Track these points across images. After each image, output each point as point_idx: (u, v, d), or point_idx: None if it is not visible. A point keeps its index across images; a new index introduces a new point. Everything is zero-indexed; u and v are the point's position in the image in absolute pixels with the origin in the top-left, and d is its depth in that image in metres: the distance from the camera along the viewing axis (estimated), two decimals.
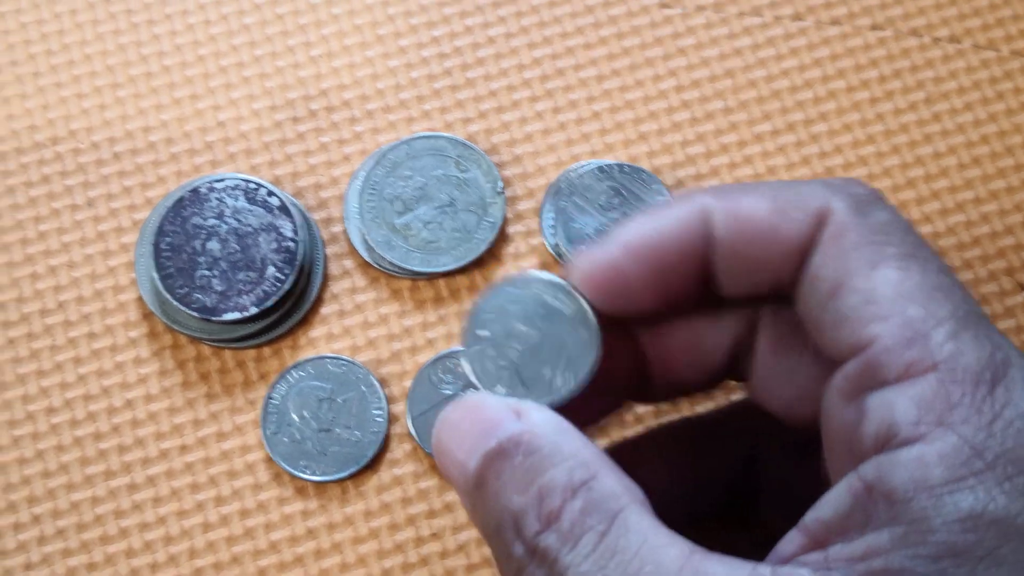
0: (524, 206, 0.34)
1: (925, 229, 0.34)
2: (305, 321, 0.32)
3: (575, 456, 0.20)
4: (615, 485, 0.20)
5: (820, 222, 0.22)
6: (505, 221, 0.33)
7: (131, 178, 0.33)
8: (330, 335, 0.32)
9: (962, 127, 0.35)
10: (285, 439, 0.31)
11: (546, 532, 0.20)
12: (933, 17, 0.35)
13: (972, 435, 0.19)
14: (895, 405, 0.20)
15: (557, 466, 0.20)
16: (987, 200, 0.34)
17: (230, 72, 0.34)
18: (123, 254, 0.33)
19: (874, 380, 0.20)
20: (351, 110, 0.34)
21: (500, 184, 0.33)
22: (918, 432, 0.19)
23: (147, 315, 0.32)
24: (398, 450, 0.32)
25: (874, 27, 0.35)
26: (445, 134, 0.34)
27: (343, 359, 0.32)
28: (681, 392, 0.26)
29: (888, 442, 0.20)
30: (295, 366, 0.32)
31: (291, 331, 0.32)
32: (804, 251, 0.22)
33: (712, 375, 0.25)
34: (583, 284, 0.23)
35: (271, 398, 0.32)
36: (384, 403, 0.32)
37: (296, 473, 0.31)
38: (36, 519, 0.31)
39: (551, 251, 0.33)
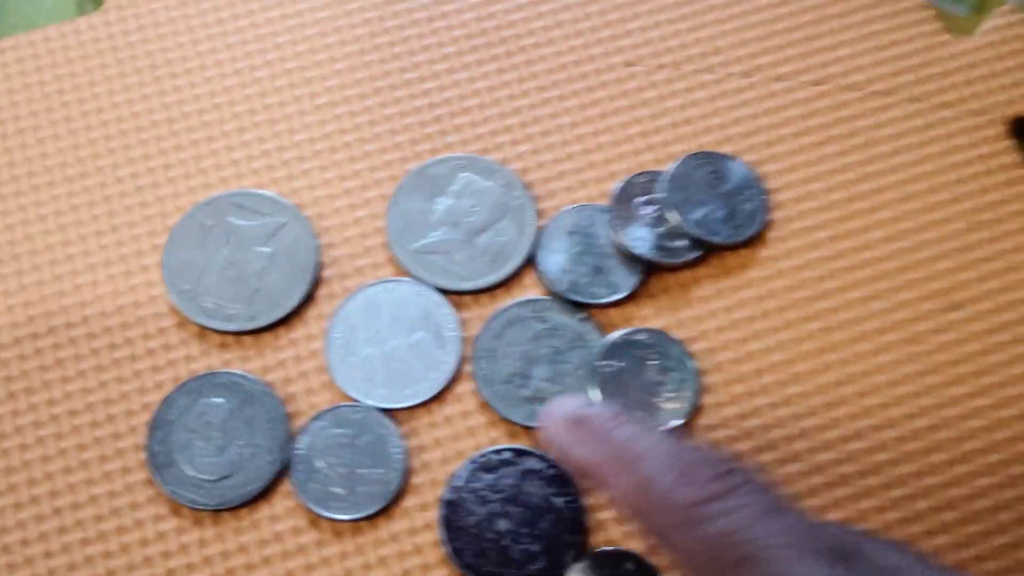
0: None
1: (875, 233, 0.37)
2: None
3: None
4: None
5: None
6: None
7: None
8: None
9: (895, 169, 0.38)
10: (315, 486, 0.33)
11: None
12: (870, 73, 0.39)
13: None
14: None
15: None
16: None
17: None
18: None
19: None
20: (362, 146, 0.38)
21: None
22: None
23: None
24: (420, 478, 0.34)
25: (816, 83, 0.39)
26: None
27: (359, 406, 0.34)
28: None
29: None
30: (316, 416, 0.34)
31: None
32: None
33: None
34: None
35: (296, 448, 0.33)
36: (401, 440, 0.34)
37: (328, 515, 0.33)
38: None
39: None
